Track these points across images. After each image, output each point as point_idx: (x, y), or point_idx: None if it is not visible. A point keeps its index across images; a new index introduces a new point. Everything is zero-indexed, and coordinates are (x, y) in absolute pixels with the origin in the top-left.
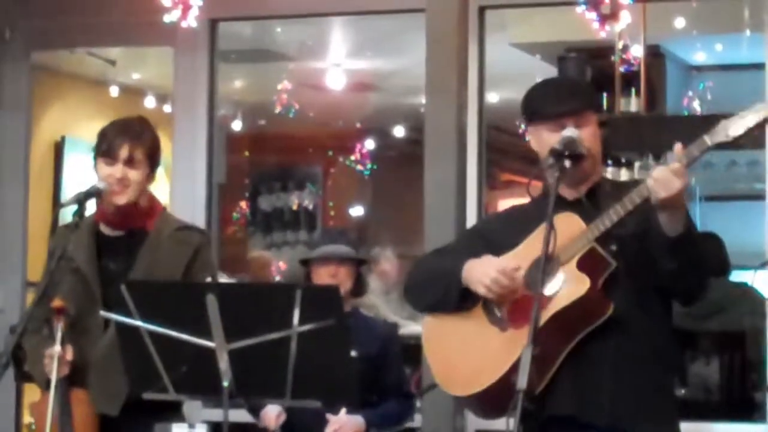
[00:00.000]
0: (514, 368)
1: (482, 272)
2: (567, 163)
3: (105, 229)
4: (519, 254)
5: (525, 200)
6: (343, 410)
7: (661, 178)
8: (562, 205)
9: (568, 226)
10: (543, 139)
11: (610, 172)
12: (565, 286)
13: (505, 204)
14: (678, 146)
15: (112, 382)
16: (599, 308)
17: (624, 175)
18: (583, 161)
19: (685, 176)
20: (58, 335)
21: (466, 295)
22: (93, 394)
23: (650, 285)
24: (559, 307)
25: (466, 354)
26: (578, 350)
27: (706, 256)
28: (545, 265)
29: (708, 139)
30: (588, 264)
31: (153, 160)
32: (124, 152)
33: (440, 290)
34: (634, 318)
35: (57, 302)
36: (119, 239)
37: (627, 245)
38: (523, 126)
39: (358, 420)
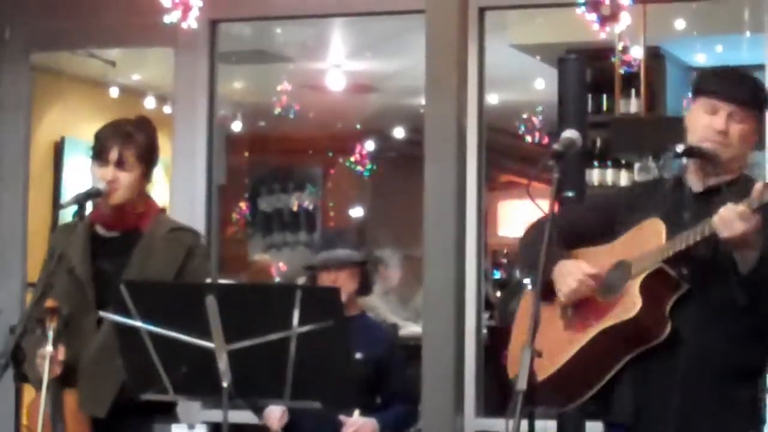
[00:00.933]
0: (565, 366)
1: (564, 280)
2: (683, 163)
3: (100, 230)
4: (612, 251)
5: (544, 200)
6: (357, 412)
7: (726, 218)
8: (687, 198)
9: (652, 234)
10: (694, 117)
11: (610, 174)
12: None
13: (504, 205)
14: (758, 186)
15: (100, 384)
16: (652, 331)
17: (624, 177)
18: (711, 160)
19: (751, 220)
20: (50, 335)
21: (551, 287)
22: (81, 396)
23: (731, 306)
24: (606, 325)
25: (546, 333)
26: (642, 365)
27: None
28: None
29: None
30: (654, 283)
31: (146, 161)
32: (113, 154)
33: (534, 270)
34: (708, 338)
35: (50, 302)
36: (114, 240)
37: (701, 268)
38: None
39: (372, 422)
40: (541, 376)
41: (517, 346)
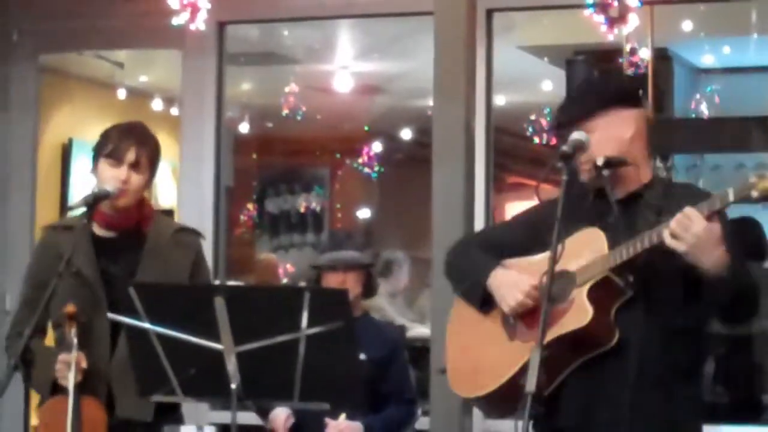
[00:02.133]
0: (516, 375)
1: (508, 291)
2: (606, 172)
3: (98, 231)
4: (545, 259)
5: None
6: (343, 416)
7: (679, 222)
8: (606, 205)
9: (592, 243)
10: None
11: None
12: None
13: (512, 207)
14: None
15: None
16: (601, 338)
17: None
18: (623, 167)
19: (701, 223)
20: (75, 341)
21: (488, 299)
22: (121, 402)
23: (675, 310)
24: (560, 333)
25: (475, 353)
26: (590, 369)
27: (752, 293)
28: (554, 280)
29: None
30: (600, 292)
31: (154, 165)
32: (131, 155)
33: (466, 286)
34: (654, 341)
35: (70, 308)
36: (114, 240)
37: (645, 273)
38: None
39: (356, 426)
40: (491, 387)
41: (457, 360)
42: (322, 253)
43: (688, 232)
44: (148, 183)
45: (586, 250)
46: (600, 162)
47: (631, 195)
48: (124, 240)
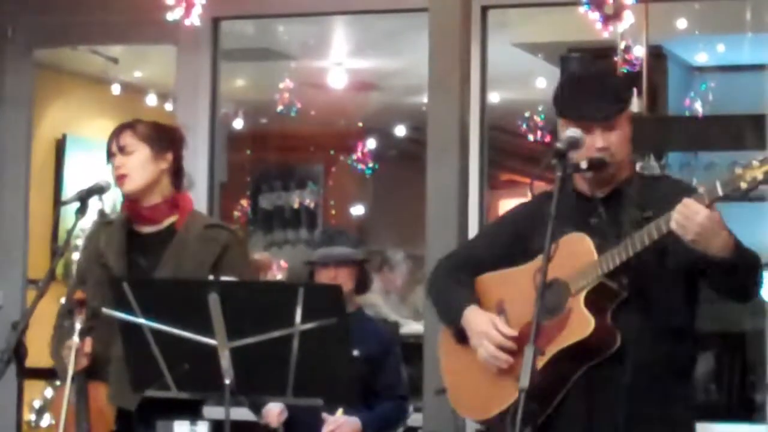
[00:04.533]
0: (504, 412)
1: (479, 341)
2: (588, 174)
3: (137, 226)
4: (530, 269)
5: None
6: (340, 410)
7: (682, 213)
8: (587, 204)
9: (579, 249)
10: (562, 134)
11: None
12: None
13: (506, 204)
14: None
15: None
16: (605, 344)
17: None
18: (606, 168)
19: (704, 211)
20: (77, 327)
21: (465, 333)
22: (111, 388)
23: (669, 309)
24: (562, 346)
25: (472, 379)
26: (589, 376)
27: (757, 268)
28: (545, 291)
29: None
30: (596, 298)
31: (152, 140)
32: (113, 146)
33: (443, 318)
34: (649, 341)
35: (79, 294)
36: (150, 236)
37: (640, 273)
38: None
39: (354, 421)
40: (495, 410)
41: (456, 385)
42: (314, 249)
43: (691, 221)
44: (155, 158)
45: (574, 256)
46: (584, 165)
47: (613, 192)
48: (158, 236)
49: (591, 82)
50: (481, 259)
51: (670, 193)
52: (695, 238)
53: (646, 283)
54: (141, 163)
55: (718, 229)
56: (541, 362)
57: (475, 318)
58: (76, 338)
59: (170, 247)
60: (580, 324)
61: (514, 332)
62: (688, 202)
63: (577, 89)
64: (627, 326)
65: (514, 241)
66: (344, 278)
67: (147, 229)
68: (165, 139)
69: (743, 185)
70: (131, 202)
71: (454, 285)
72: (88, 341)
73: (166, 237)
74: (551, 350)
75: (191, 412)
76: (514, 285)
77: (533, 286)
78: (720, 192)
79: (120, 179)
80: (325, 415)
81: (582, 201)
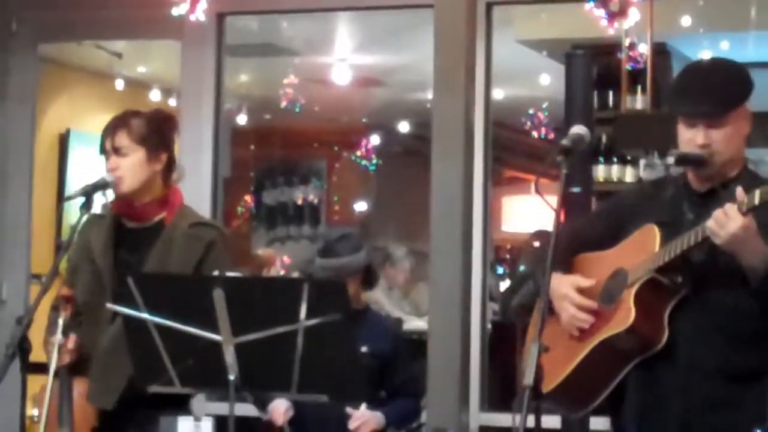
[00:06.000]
0: (571, 375)
1: (560, 304)
2: (681, 168)
3: (125, 222)
4: (610, 258)
5: (551, 196)
6: (364, 405)
7: (719, 219)
8: (691, 198)
9: (647, 241)
10: (679, 129)
11: (615, 170)
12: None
13: (509, 201)
14: (738, 190)
15: (110, 375)
16: (648, 340)
17: (629, 173)
18: (704, 165)
19: (738, 220)
20: (60, 323)
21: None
22: (90, 387)
23: (731, 311)
24: (604, 336)
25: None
26: (647, 370)
27: None
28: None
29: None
30: (648, 292)
31: (147, 142)
32: (108, 144)
33: (534, 289)
34: (705, 343)
35: (64, 290)
36: (137, 231)
37: (698, 273)
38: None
39: (378, 415)
40: (550, 385)
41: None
42: (318, 257)
43: (724, 228)
44: (149, 160)
45: (640, 247)
46: (671, 161)
47: (712, 189)
48: (146, 231)
49: (701, 75)
50: (581, 238)
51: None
52: (726, 245)
53: (705, 282)
54: (135, 166)
55: (751, 238)
56: (580, 355)
57: (558, 283)
58: (59, 334)
59: (156, 244)
60: (623, 316)
61: (592, 282)
62: (726, 208)
63: (688, 83)
64: (683, 325)
65: (614, 225)
66: (350, 283)
67: (135, 225)
68: (160, 137)
69: None
70: (122, 199)
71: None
72: (72, 337)
73: (154, 233)
74: (593, 341)
75: (176, 407)
76: (597, 269)
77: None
78: (757, 201)
79: (118, 180)
80: (350, 410)
81: (687, 194)
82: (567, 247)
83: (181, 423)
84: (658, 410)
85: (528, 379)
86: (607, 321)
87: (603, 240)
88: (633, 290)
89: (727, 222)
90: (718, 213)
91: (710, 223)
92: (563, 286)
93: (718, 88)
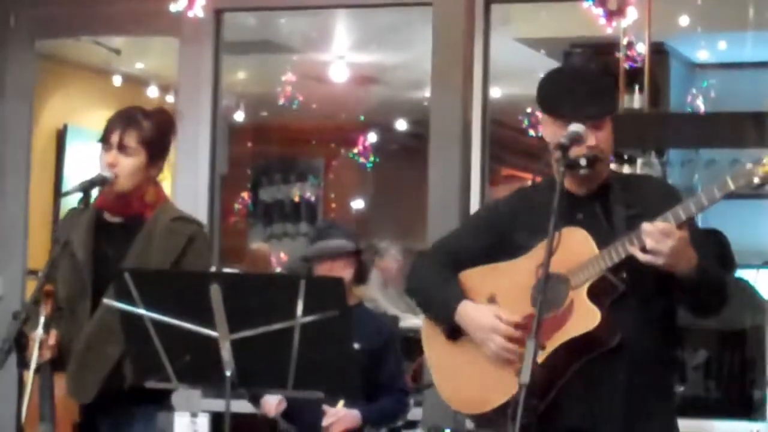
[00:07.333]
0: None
1: (486, 336)
2: (584, 171)
3: (106, 215)
4: (530, 262)
5: None
6: (341, 403)
7: (653, 234)
8: (573, 201)
9: (577, 243)
10: (554, 132)
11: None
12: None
13: None
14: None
15: (88, 370)
16: (607, 338)
17: (626, 171)
18: (598, 165)
19: (675, 235)
20: (41, 319)
21: (457, 329)
22: (68, 381)
23: (658, 302)
24: (567, 338)
25: (468, 373)
26: (588, 368)
27: (720, 288)
28: (547, 283)
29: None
30: (597, 292)
31: (151, 147)
32: (114, 137)
33: (432, 315)
34: (644, 335)
35: (47, 286)
36: (118, 226)
37: (637, 269)
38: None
39: (354, 414)
40: (495, 403)
41: (448, 380)
42: (310, 245)
43: (666, 246)
44: (150, 167)
45: (572, 250)
46: (583, 162)
47: (597, 190)
48: (126, 226)
49: (579, 79)
50: (463, 253)
51: (655, 193)
52: (665, 262)
53: (644, 279)
54: (134, 168)
55: (685, 249)
56: (541, 357)
57: (474, 312)
58: (40, 330)
59: (137, 238)
60: (586, 316)
61: (518, 319)
62: (662, 227)
63: (567, 86)
64: (624, 321)
65: (495, 236)
66: (341, 270)
67: (116, 219)
68: (164, 145)
69: (756, 180)
70: (109, 194)
71: (439, 281)
72: (53, 333)
73: (134, 227)
74: (552, 344)
75: (156, 402)
76: (507, 279)
77: (532, 280)
78: (732, 186)
79: (116, 178)
80: (325, 407)
81: (567, 198)
82: (449, 263)
83: (178, 419)
84: (604, 406)
85: (524, 377)
86: (561, 324)
87: (488, 252)
88: (584, 290)
89: (666, 240)
90: (656, 234)
91: (651, 244)
92: (484, 317)
93: (602, 92)
